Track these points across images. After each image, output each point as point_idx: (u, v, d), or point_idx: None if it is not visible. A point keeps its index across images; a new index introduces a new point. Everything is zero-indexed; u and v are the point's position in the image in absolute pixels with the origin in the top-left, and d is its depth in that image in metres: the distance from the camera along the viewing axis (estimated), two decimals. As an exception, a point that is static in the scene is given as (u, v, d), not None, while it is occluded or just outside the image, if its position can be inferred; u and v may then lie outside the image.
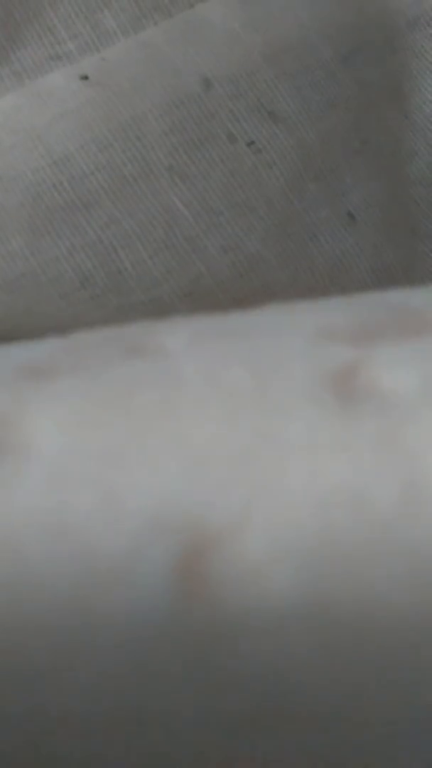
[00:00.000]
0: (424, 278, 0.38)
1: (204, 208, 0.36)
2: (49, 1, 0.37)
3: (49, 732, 0.20)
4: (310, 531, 0.20)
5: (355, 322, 0.24)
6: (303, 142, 0.37)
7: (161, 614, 0.20)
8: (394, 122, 0.39)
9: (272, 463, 0.21)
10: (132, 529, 0.20)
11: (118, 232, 0.35)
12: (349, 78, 0.38)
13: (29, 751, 0.20)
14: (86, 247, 0.35)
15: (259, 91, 0.36)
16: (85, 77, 0.36)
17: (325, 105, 0.37)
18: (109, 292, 0.35)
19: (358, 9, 0.38)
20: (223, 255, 0.36)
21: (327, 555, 0.20)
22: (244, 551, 0.20)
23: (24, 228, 0.35)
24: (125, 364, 0.23)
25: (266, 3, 0.37)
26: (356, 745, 0.19)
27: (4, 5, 0.36)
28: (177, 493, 0.20)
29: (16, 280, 0.35)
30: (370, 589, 0.19)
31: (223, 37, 0.36)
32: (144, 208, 0.35)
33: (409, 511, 0.20)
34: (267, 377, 0.22)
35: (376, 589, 0.19)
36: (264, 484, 0.20)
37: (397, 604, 0.19)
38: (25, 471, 0.21)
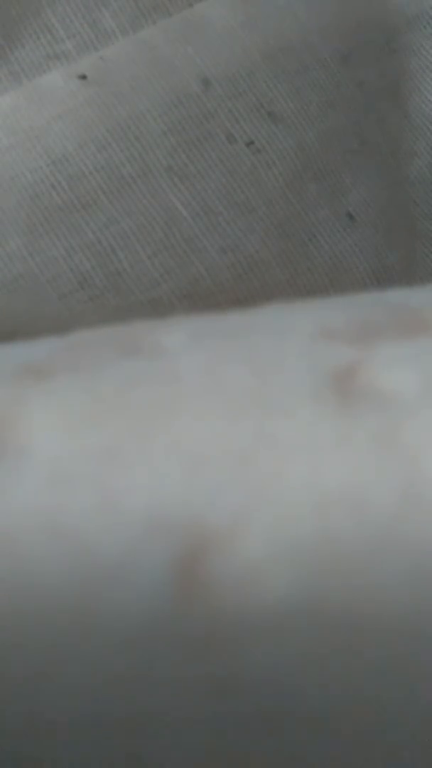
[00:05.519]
0: (424, 278, 0.38)
1: (203, 208, 0.35)
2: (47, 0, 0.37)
3: (47, 732, 0.19)
4: (310, 531, 0.20)
5: (355, 322, 0.24)
6: (302, 143, 0.37)
7: (160, 615, 0.19)
8: (394, 122, 0.39)
9: (271, 463, 0.21)
10: (130, 529, 0.20)
11: (117, 233, 0.35)
12: (349, 78, 0.38)
13: (28, 751, 0.20)
14: (85, 247, 0.35)
15: (258, 91, 0.36)
16: (84, 77, 0.36)
17: (325, 105, 0.37)
18: (107, 292, 0.35)
19: (358, 9, 0.38)
20: (222, 255, 0.36)
21: (326, 555, 0.20)
22: (243, 551, 0.20)
23: (22, 228, 0.35)
24: (124, 364, 0.23)
25: (265, 2, 0.37)
26: (356, 745, 0.19)
27: (1, 4, 0.36)
28: (176, 493, 0.20)
29: (14, 281, 0.35)
30: (369, 589, 0.19)
31: (222, 36, 0.36)
32: (143, 208, 0.35)
33: (409, 511, 0.20)
34: (266, 376, 0.22)
35: (375, 589, 0.19)
36: (263, 484, 0.20)
37: (397, 604, 0.19)
38: (24, 471, 0.21)
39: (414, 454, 0.20)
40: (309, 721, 0.19)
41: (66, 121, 0.35)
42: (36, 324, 0.35)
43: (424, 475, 0.20)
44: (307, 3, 0.38)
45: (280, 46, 0.37)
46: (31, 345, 0.25)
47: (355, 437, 0.21)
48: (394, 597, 0.19)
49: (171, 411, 0.21)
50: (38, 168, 0.35)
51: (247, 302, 0.35)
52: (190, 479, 0.20)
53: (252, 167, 0.36)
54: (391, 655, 0.19)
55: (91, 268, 0.35)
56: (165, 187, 0.35)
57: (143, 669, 0.19)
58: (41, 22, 0.37)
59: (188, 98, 0.36)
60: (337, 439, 0.21)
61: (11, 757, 0.20)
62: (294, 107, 0.37)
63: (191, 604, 0.20)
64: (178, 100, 0.36)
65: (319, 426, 0.21)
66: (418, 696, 0.19)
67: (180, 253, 0.35)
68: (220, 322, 0.25)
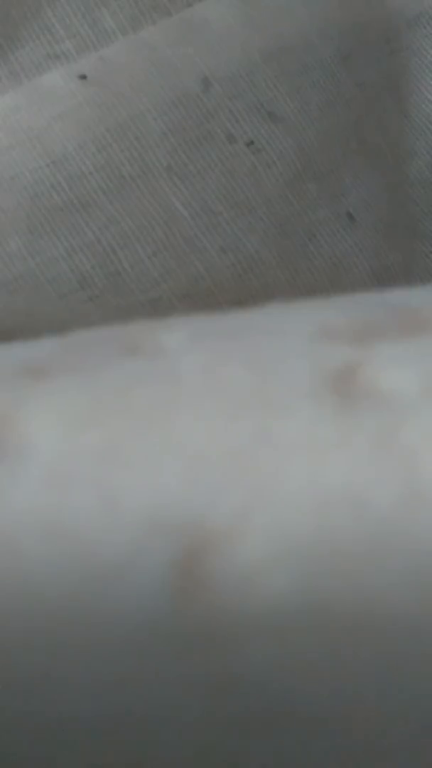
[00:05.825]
0: (424, 278, 0.38)
1: (203, 208, 0.35)
2: None
3: (48, 733, 0.19)
4: (310, 531, 0.20)
5: (355, 322, 0.23)
6: (302, 142, 0.37)
7: (160, 615, 0.19)
8: (394, 122, 0.39)
9: (271, 463, 0.21)
10: (130, 529, 0.20)
11: (117, 233, 0.35)
12: (349, 78, 0.38)
13: (28, 752, 0.20)
14: (85, 247, 0.35)
15: (258, 90, 0.36)
16: (84, 77, 0.36)
17: (325, 105, 0.37)
18: (107, 292, 0.35)
19: (358, 9, 0.38)
20: (222, 255, 0.36)
21: (326, 555, 0.19)
22: (244, 551, 0.20)
23: (22, 228, 0.35)
24: (124, 364, 0.23)
25: (266, 2, 0.37)
26: (356, 746, 0.19)
27: (1, 4, 0.36)
28: (176, 493, 0.20)
29: (14, 281, 0.35)
30: (369, 589, 0.19)
31: (222, 36, 0.36)
32: (143, 208, 0.35)
33: (409, 511, 0.20)
34: (266, 376, 0.22)
35: (375, 589, 0.19)
36: (263, 484, 0.20)
37: (397, 604, 0.19)
38: (24, 471, 0.21)
39: (413, 453, 0.20)
40: (309, 721, 0.19)
41: (66, 121, 0.35)
42: (36, 324, 0.35)
43: (423, 474, 0.20)
44: (307, 3, 0.38)
45: (280, 46, 0.37)
46: (31, 345, 0.25)
47: (355, 437, 0.21)
48: (394, 597, 0.19)
49: (171, 411, 0.21)
50: (38, 168, 0.35)
51: (247, 302, 0.35)
52: (190, 479, 0.20)
53: (252, 167, 0.36)
54: (392, 655, 0.19)
55: (91, 268, 0.35)
56: (165, 187, 0.35)
57: (143, 668, 0.19)
58: (41, 22, 0.37)
59: (188, 98, 0.36)
60: (337, 439, 0.21)
61: (11, 757, 0.20)
62: (294, 107, 0.37)
63: (191, 604, 0.20)
64: (178, 100, 0.36)
65: (319, 426, 0.21)
66: (419, 696, 0.19)
67: (180, 253, 0.35)
68: (220, 322, 0.25)
